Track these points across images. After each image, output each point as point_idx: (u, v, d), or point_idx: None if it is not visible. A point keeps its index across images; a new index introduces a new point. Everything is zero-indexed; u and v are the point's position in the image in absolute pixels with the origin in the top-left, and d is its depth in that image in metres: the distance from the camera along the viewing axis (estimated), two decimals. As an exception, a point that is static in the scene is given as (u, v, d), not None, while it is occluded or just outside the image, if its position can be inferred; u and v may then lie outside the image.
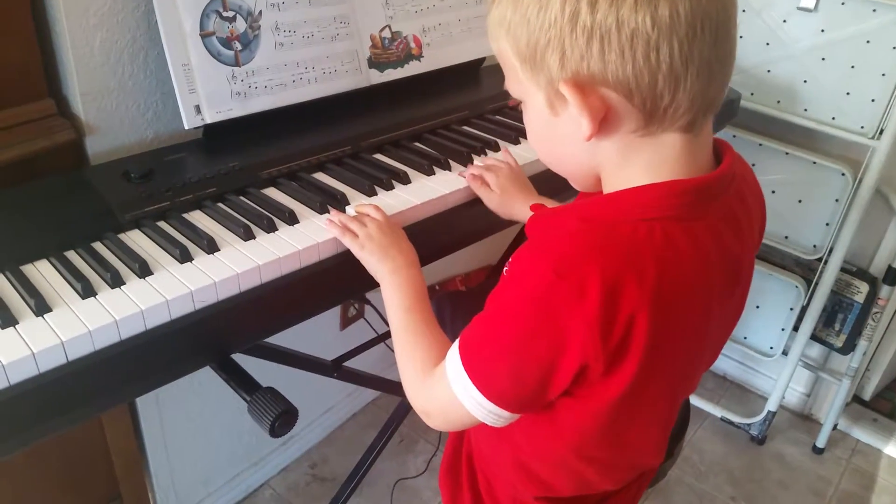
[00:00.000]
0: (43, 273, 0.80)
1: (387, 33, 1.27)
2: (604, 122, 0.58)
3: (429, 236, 0.97)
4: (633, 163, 0.61)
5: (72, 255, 0.83)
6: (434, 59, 1.34)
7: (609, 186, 0.64)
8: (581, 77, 0.57)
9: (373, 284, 0.86)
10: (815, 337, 1.94)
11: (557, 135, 0.63)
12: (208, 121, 1.06)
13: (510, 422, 0.67)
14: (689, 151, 0.60)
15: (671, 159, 0.60)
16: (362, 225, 0.89)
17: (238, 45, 1.08)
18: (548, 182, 1.00)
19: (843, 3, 1.62)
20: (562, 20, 0.55)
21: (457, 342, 0.66)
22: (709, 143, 0.64)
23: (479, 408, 0.65)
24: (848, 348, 1.91)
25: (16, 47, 0.96)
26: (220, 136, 1.08)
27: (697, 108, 0.58)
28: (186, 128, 1.04)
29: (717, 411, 2.07)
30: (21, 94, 0.99)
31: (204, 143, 1.09)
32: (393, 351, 0.79)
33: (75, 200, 0.94)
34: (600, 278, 0.55)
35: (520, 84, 0.62)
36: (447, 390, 0.66)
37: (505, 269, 0.64)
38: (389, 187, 1.02)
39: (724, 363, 2.24)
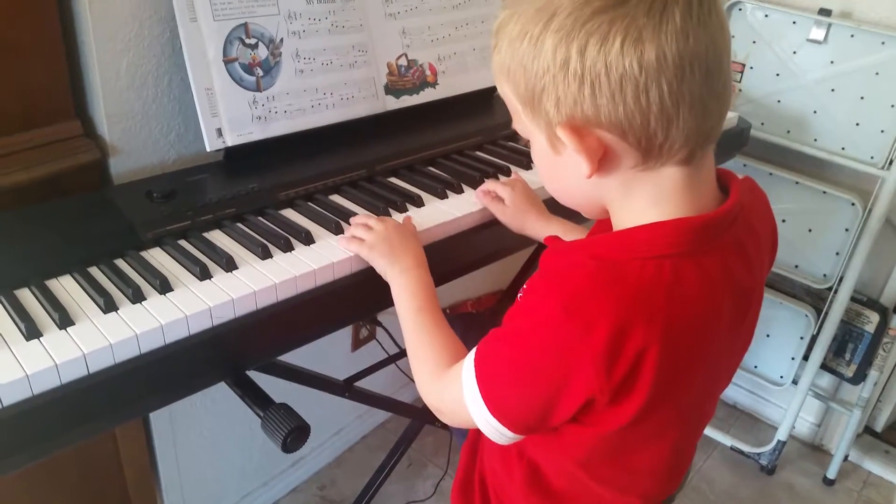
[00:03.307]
0: (66, 288, 0.83)
1: (403, 61, 1.30)
2: (603, 161, 0.60)
3: (441, 258, 0.98)
4: (637, 196, 0.63)
5: (95, 271, 0.86)
6: (449, 86, 1.37)
7: (617, 219, 0.66)
8: (576, 120, 0.59)
9: (387, 303, 0.88)
10: (825, 366, 1.93)
11: (562, 172, 0.65)
12: (229, 144, 1.08)
13: (513, 441, 0.69)
14: (691, 184, 0.62)
15: (673, 192, 0.62)
16: (369, 229, 0.91)
17: (259, 71, 1.11)
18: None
19: (852, 36, 1.64)
20: (554, 67, 0.58)
21: (473, 353, 0.68)
22: (711, 174, 0.65)
23: (485, 423, 0.66)
24: (858, 378, 1.91)
25: (46, 70, 1.00)
26: (240, 158, 1.11)
27: (694, 142, 0.60)
28: (208, 150, 1.07)
29: (727, 440, 2.06)
30: (49, 115, 1.02)
31: (224, 164, 1.12)
32: (404, 373, 0.81)
33: (99, 218, 0.96)
34: (608, 318, 0.57)
35: (524, 125, 0.65)
36: (459, 394, 0.68)
37: (519, 294, 0.66)
38: (403, 209, 1.04)
39: (734, 392, 2.24)
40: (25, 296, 0.81)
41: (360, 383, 1.33)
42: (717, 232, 0.63)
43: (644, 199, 0.63)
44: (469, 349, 0.69)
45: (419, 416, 1.48)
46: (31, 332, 0.74)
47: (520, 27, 0.60)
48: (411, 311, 0.82)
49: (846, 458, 2.02)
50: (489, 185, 1.07)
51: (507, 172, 1.19)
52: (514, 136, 1.34)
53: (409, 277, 0.85)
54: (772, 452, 1.99)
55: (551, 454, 0.74)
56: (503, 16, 0.63)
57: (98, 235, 0.92)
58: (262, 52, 1.11)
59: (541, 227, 1.01)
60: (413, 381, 0.80)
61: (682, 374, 0.63)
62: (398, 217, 1.02)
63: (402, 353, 0.83)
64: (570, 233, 0.98)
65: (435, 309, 0.82)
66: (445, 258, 1.01)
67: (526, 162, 1.22)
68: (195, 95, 1.05)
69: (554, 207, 1.04)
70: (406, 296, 0.84)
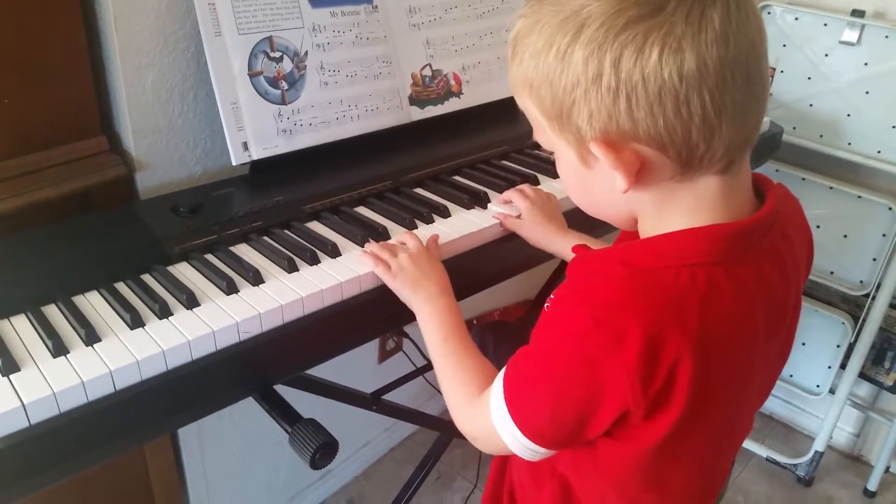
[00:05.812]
0: (93, 304, 0.83)
1: (427, 71, 1.30)
2: (639, 174, 0.57)
3: (468, 269, 0.97)
4: (672, 207, 0.60)
5: (121, 287, 0.86)
6: (473, 95, 1.36)
7: (648, 228, 0.63)
8: (611, 135, 0.56)
9: (414, 316, 0.87)
10: (863, 375, 1.88)
11: (592, 185, 0.62)
12: (255, 157, 1.08)
13: (544, 457, 0.67)
14: (728, 192, 0.60)
15: (710, 201, 0.59)
16: (393, 255, 0.90)
17: (284, 85, 1.11)
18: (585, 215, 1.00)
19: (886, 37, 1.61)
20: (585, 81, 0.54)
21: (501, 375, 0.66)
22: (747, 179, 0.63)
23: (515, 442, 0.65)
24: (899, 388, 1.86)
25: (74, 88, 1.01)
26: (266, 171, 1.11)
27: (735, 150, 0.57)
28: (234, 164, 1.07)
29: (763, 451, 2.02)
30: (77, 132, 1.03)
31: (250, 178, 1.11)
32: (431, 385, 0.79)
33: (126, 234, 0.97)
34: (641, 328, 0.54)
35: (548, 138, 0.62)
36: (490, 419, 0.66)
37: (546, 304, 0.64)
38: (430, 221, 1.03)
39: (770, 402, 2.19)
40: (52, 312, 0.81)
41: (388, 396, 1.32)
42: (753, 239, 0.60)
43: (679, 209, 0.60)
44: (501, 358, 0.68)
45: (447, 430, 1.46)
46: (59, 348, 0.74)
47: (544, 39, 0.57)
48: (438, 340, 0.81)
49: (888, 469, 1.96)
50: (507, 194, 1.05)
51: (535, 181, 1.17)
52: (540, 145, 1.32)
53: (434, 306, 0.83)
54: (809, 463, 1.94)
55: (584, 473, 0.72)
56: (521, 25, 0.60)
57: (125, 251, 0.92)
58: (287, 65, 1.11)
59: (559, 242, 0.98)
60: (441, 392, 0.78)
61: (718, 385, 0.60)
62: (424, 229, 1.01)
63: (430, 366, 0.81)
64: (590, 246, 0.96)
65: (462, 335, 0.81)
66: (472, 269, 1.00)
67: (553, 171, 1.20)
68: (221, 110, 1.05)
69: (573, 221, 1.02)
70: (432, 324, 0.82)
